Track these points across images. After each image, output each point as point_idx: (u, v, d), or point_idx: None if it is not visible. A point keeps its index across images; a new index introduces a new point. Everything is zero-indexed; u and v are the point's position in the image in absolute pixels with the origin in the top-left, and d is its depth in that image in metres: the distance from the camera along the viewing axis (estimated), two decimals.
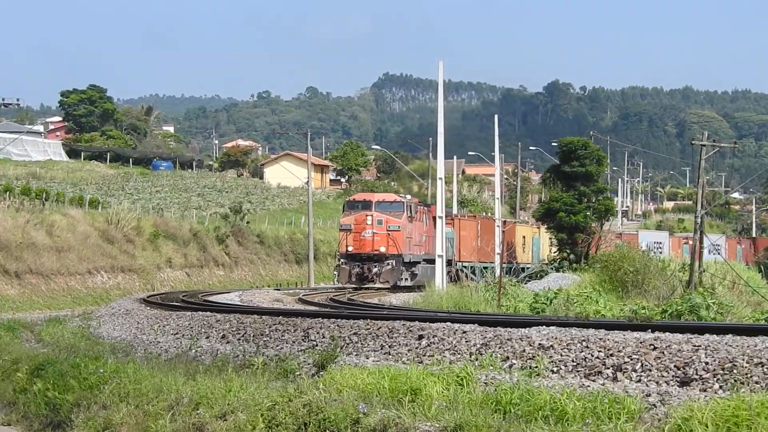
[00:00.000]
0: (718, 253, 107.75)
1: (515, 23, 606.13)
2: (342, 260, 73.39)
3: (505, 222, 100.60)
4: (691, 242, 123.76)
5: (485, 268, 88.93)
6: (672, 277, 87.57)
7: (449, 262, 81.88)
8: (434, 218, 75.76)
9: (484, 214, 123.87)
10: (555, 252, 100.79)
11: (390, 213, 73.65)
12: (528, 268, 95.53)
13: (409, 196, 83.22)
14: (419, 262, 76.39)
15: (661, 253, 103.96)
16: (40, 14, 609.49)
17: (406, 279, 74.04)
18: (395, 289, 70.22)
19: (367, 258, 71.84)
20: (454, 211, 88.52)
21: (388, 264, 71.88)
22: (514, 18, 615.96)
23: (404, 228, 73.69)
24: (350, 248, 72.35)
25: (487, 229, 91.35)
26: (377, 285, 70.65)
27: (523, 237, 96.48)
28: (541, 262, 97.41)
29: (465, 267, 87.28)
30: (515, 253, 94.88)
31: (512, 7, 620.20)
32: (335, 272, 77.73)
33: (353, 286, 70.63)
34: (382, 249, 71.69)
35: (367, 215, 72.55)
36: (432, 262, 76.07)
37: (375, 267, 71.55)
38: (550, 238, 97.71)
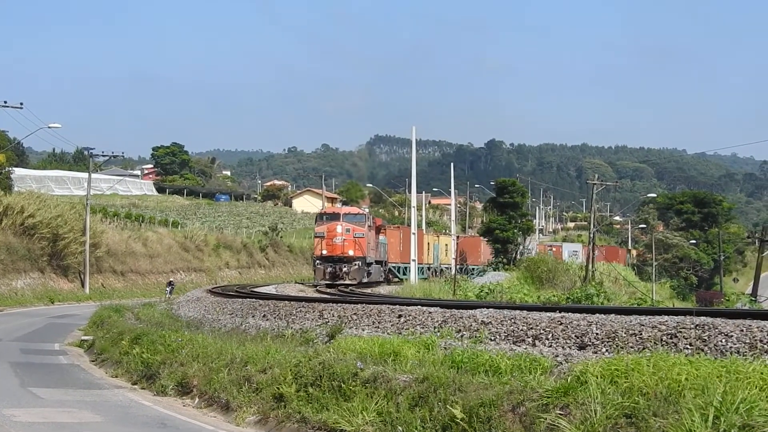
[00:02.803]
0: (578, 257, 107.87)
1: (466, 97, 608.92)
2: (317, 261, 66.25)
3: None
4: (554, 248, 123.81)
5: (408, 268, 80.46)
6: (573, 274, 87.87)
7: (384, 263, 76.85)
8: (377, 228, 73.23)
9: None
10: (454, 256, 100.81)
11: (355, 223, 66.75)
12: (430, 266, 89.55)
13: (366, 210, 78.25)
14: (372, 263, 69.83)
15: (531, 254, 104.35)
16: (139, 96, 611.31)
17: (365, 277, 67.78)
18: (359, 285, 64.37)
19: (338, 259, 65.06)
20: (415, 225, 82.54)
21: (355, 265, 65.23)
22: (465, 93, 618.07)
23: (366, 236, 66.97)
24: (324, 252, 65.46)
25: (407, 237, 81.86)
26: (347, 281, 63.81)
27: (428, 243, 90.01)
28: (438, 262, 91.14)
29: (392, 267, 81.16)
30: (421, 255, 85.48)
31: (463, 85, 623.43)
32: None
33: (327, 282, 63.49)
34: (351, 252, 65.03)
35: (337, 225, 65.71)
36: (378, 263, 73.19)
37: (345, 267, 64.88)
38: (446, 245, 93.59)
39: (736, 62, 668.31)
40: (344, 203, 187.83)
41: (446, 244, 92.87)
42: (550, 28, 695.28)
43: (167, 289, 73.42)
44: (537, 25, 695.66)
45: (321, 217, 70.28)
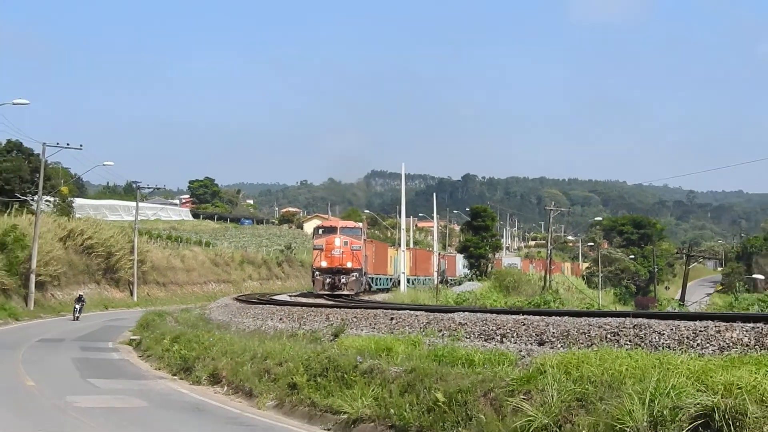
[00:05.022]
0: (517, 268, 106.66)
1: (445, 139, 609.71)
2: (317, 273, 59.11)
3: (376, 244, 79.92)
4: (495, 261, 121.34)
5: (378, 278, 72.80)
6: (534, 284, 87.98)
7: (365, 273, 64.30)
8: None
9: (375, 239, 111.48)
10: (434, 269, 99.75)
11: (352, 236, 59.95)
12: (391, 278, 77.69)
13: (360, 224, 70.59)
14: (363, 275, 62.14)
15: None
16: (178, 138, 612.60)
17: (361, 287, 61.57)
18: (356, 294, 58.15)
19: (336, 271, 58.25)
20: (404, 244, 77.28)
21: (353, 276, 58.55)
22: (444, 135, 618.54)
23: (362, 248, 60.48)
24: (324, 264, 58.40)
25: (379, 250, 75.07)
26: (345, 292, 57.12)
27: (390, 257, 79.27)
28: (398, 273, 77.00)
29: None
30: (386, 267, 77.00)
31: (443, 129, 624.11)
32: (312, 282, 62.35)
33: (326, 293, 57.08)
34: (349, 264, 58.26)
35: (335, 238, 58.85)
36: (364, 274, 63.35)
37: (343, 278, 58.10)
38: (407, 257, 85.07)
39: (666, 107, 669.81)
40: None
41: (407, 257, 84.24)
42: (509, 83, 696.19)
43: (76, 306, 55.50)
44: (499, 81, 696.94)
45: (318, 230, 63.32)
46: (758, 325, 14.98)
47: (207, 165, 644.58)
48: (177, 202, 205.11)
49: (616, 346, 15.85)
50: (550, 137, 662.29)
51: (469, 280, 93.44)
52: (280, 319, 33.28)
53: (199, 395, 22.91)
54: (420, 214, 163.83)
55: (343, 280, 58.21)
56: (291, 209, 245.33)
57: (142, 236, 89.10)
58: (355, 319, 27.50)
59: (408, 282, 75.26)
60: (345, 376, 18.65)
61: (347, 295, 55.79)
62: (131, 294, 78.25)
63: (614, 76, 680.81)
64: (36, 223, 59.75)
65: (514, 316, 21.19)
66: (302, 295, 62.42)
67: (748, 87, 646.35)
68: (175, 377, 27.06)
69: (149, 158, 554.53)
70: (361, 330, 25.63)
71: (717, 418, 10.45)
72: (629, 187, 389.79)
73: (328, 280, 58.27)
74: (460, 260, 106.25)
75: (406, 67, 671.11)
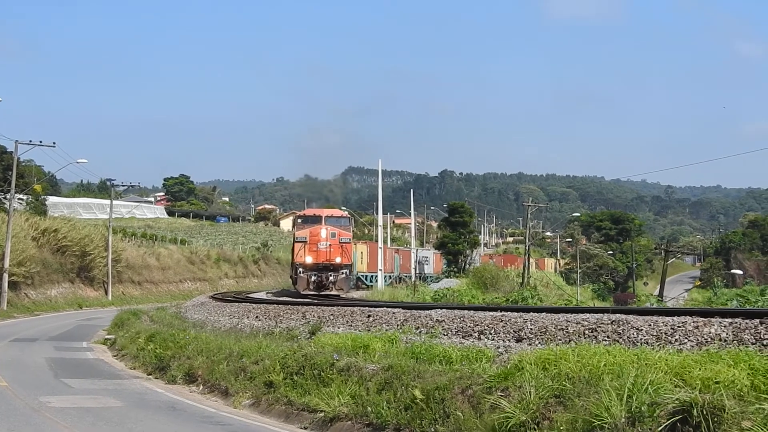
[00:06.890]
0: (477, 263, 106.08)
1: (422, 134, 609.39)
2: (300, 270, 50.87)
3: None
4: (440, 256, 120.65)
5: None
6: (512, 280, 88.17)
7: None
8: None
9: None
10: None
11: (340, 227, 52.16)
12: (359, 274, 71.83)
13: (346, 212, 62.59)
14: (352, 272, 55.74)
15: (427, 261, 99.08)
16: (153, 135, 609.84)
17: (351, 286, 55.03)
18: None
19: (323, 267, 50.49)
20: (381, 241, 75.01)
21: (342, 273, 51.04)
22: (421, 131, 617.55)
23: (351, 241, 53.87)
24: (309, 259, 50.49)
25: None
26: (333, 292, 49.32)
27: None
28: (357, 270, 72.05)
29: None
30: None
31: (420, 125, 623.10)
32: (293, 279, 54.14)
33: (312, 293, 49.25)
34: (338, 260, 50.70)
35: (321, 229, 51.03)
36: None
37: (331, 276, 50.49)
38: (361, 252, 76.87)
39: (643, 104, 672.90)
40: None
41: (361, 252, 77.84)
42: (487, 79, 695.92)
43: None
44: (477, 77, 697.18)
45: (302, 219, 54.58)
46: (736, 320, 15.07)
47: (182, 162, 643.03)
48: (152, 199, 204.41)
49: (594, 342, 15.89)
50: (527, 133, 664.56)
51: (447, 277, 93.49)
52: (257, 317, 33.24)
53: (174, 394, 22.85)
54: (397, 211, 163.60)
55: (331, 278, 50.99)
56: (267, 206, 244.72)
57: (116, 234, 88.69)
58: (331, 317, 27.49)
59: (366, 279, 74.68)
60: (322, 374, 18.63)
61: (335, 296, 48.38)
62: (106, 293, 77.94)
63: (592, 71, 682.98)
64: (8, 222, 59.40)
65: (491, 313, 21.20)
66: (282, 293, 57.32)
67: (726, 82, 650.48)
68: (150, 376, 26.98)
69: (124, 156, 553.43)
70: (338, 327, 25.61)
71: (695, 413, 10.46)
72: (607, 183, 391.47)
73: (313, 278, 50.95)
74: (413, 255, 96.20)
75: (383, 63, 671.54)
